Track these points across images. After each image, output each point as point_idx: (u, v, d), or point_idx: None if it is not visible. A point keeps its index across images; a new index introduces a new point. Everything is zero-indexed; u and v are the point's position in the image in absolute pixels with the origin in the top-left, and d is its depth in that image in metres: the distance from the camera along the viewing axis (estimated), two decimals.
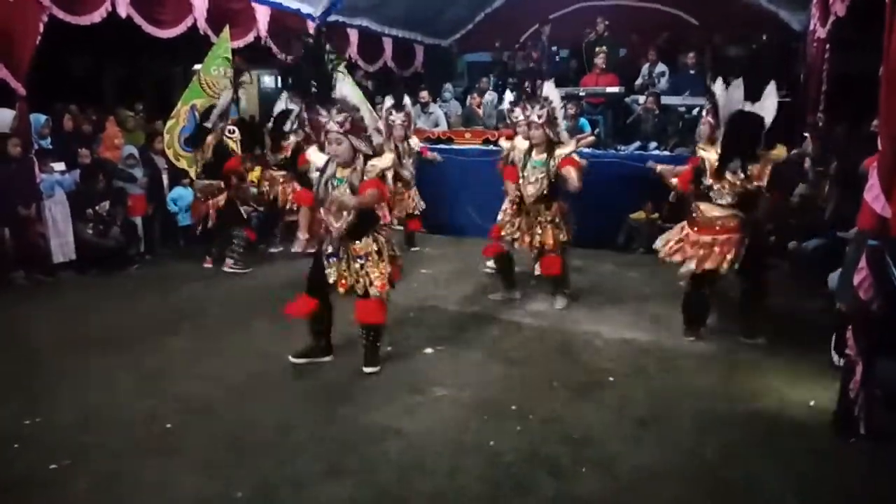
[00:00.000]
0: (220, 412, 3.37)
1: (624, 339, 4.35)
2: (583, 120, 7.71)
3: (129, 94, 8.56)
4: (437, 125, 8.50)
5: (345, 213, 3.61)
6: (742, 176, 3.92)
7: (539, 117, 4.59)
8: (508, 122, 5.78)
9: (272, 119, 6.76)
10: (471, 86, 9.64)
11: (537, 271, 5.38)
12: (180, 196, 6.94)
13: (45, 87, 6.05)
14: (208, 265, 6.23)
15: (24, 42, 5.27)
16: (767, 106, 3.95)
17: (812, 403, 3.38)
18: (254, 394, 3.57)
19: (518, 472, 2.83)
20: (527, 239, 4.82)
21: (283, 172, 6.55)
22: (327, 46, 6.39)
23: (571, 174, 4.51)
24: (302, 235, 3.97)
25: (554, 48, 9.32)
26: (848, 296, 3.11)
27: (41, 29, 5.35)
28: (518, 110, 5.28)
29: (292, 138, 6.47)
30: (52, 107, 6.70)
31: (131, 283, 5.80)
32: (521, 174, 4.75)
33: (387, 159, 3.67)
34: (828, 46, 6.19)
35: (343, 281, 3.72)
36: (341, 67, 6.20)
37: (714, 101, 4.17)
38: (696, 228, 4.08)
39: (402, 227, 6.72)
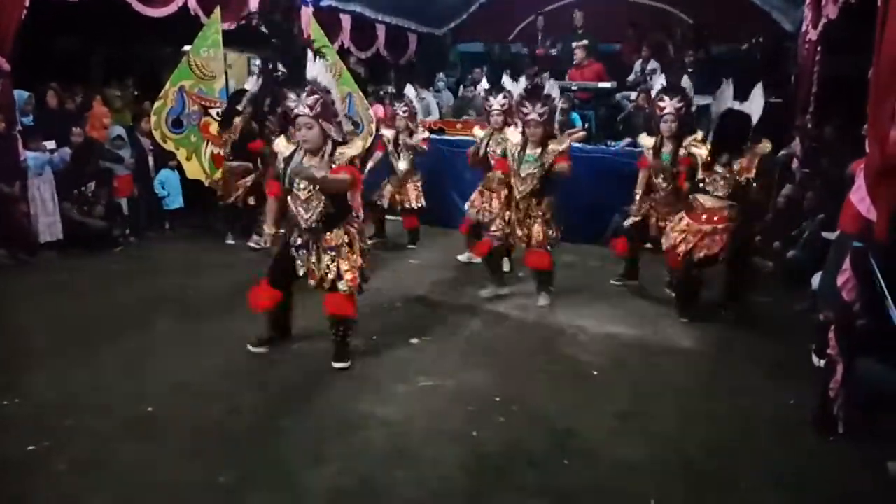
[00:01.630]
0: (202, 397, 3.34)
1: (608, 333, 4.37)
2: (574, 115, 7.72)
3: (116, 73, 8.41)
4: (429, 114, 8.46)
5: (315, 202, 3.48)
6: (734, 168, 4.28)
7: (541, 115, 4.52)
8: (485, 109, 5.67)
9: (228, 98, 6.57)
10: (464, 76, 9.61)
11: (503, 267, 5.36)
12: (167, 179, 6.87)
13: (30, 64, 5.94)
14: (231, 242, 6.35)
15: (9, 18, 5.16)
16: (755, 105, 4.35)
17: (792, 402, 3.42)
18: (237, 380, 3.55)
19: (500, 462, 2.85)
20: (519, 233, 4.78)
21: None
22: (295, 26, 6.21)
23: (565, 169, 4.59)
24: (269, 229, 3.75)
25: (549, 41, 9.31)
26: (830, 299, 3.15)
27: (27, 4, 5.25)
28: (493, 100, 5.37)
29: (237, 120, 6.15)
30: (35, 84, 6.58)
31: (115, 265, 5.73)
32: (513, 168, 4.70)
33: (356, 146, 3.54)
34: (819, 48, 6.23)
35: (314, 273, 3.61)
36: (326, 50, 6.05)
37: (686, 96, 4.70)
38: (698, 218, 4.41)
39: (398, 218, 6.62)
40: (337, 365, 3.68)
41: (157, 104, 6.46)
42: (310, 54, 3.41)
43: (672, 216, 4.72)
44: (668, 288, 5.10)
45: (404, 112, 6.25)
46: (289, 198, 3.57)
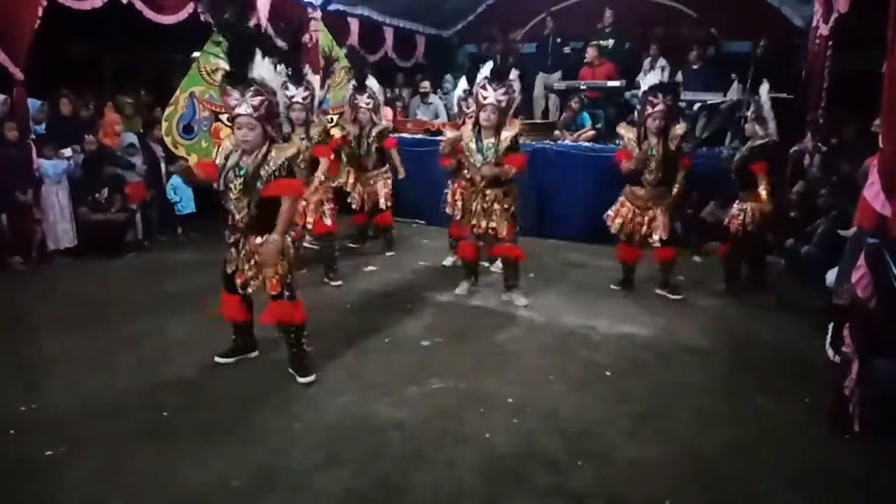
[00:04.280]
0: (216, 400, 3.37)
1: (621, 333, 4.36)
2: (584, 114, 7.70)
3: (127, 80, 8.50)
4: (436, 116, 8.47)
5: (245, 202, 3.32)
6: None
7: (499, 101, 4.45)
8: (462, 111, 5.57)
9: None
10: (470, 77, 9.59)
11: (496, 268, 5.36)
12: (180, 184, 6.92)
13: (42, 72, 6.01)
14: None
15: (23, 27, 5.23)
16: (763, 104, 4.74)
17: (808, 400, 3.39)
18: (250, 382, 3.57)
19: (514, 464, 2.84)
20: (482, 224, 4.68)
21: None
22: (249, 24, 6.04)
23: (514, 171, 4.54)
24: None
25: (559, 40, 9.28)
26: (844, 290, 3.12)
27: (40, 13, 5.31)
28: (470, 102, 5.19)
29: None
30: (48, 92, 6.66)
31: (129, 270, 5.79)
32: (468, 160, 4.63)
33: (293, 148, 3.40)
34: (830, 43, 6.17)
35: (242, 275, 3.46)
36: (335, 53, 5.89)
37: (678, 93, 4.88)
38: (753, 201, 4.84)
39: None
40: (301, 380, 3.52)
41: (167, 110, 6.50)
42: (258, 53, 3.26)
43: (649, 211, 4.82)
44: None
45: (367, 104, 5.97)
46: (222, 195, 3.43)
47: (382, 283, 5.43)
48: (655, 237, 4.88)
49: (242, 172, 3.30)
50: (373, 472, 2.76)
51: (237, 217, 3.40)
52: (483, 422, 3.18)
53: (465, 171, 4.79)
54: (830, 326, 3.79)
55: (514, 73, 4.63)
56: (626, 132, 4.95)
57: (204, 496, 2.62)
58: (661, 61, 8.14)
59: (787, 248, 5.61)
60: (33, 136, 5.71)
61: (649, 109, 4.72)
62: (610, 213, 5.11)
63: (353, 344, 3.97)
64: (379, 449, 2.94)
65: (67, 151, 6.02)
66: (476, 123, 4.61)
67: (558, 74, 8.84)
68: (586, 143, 7.24)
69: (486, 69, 4.63)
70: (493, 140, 4.55)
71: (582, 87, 7.92)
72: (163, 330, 4.29)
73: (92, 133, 6.34)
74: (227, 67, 3.25)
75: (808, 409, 3.31)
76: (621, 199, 5.06)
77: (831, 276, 4.27)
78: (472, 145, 4.61)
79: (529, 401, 3.39)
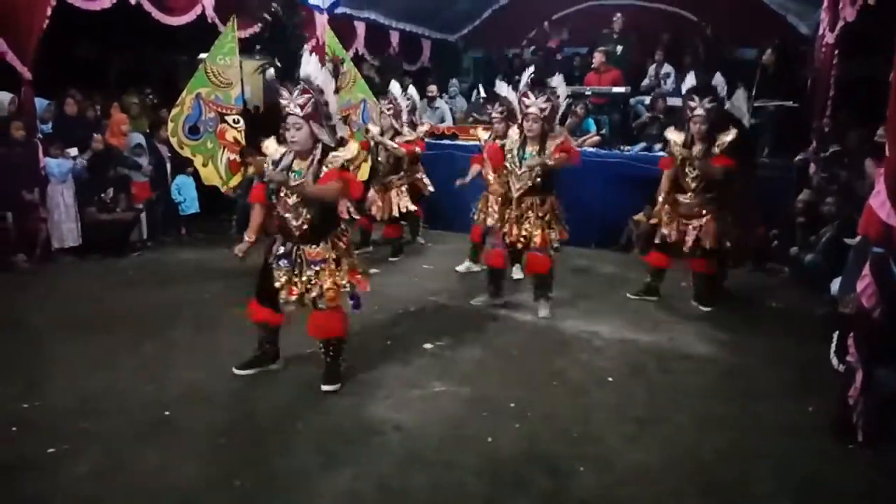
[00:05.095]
0: (218, 401, 3.37)
1: (623, 338, 4.35)
2: (589, 120, 7.71)
3: (134, 81, 8.54)
4: (442, 120, 8.50)
5: (303, 209, 3.24)
6: None
7: (542, 110, 4.35)
8: (485, 115, 5.58)
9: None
10: (476, 82, 9.63)
11: (517, 274, 5.32)
12: (184, 185, 6.95)
13: (50, 71, 6.04)
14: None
15: (31, 27, 5.26)
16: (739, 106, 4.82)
17: (811, 409, 3.38)
18: (252, 383, 3.57)
19: (515, 468, 2.84)
20: (514, 231, 4.56)
21: None
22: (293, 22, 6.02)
23: (566, 158, 4.38)
24: (248, 237, 3.49)
25: (561, 45, 9.31)
26: (849, 299, 3.11)
27: (49, 13, 5.34)
28: (491, 108, 5.22)
29: None
30: (55, 92, 6.69)
31: (132, 270, 5.80)
32: (510, 167, 4.53)
33: (351, 150, 3.29)
34: (836, 51, 6.17)
35: (293, 288, 3.32)
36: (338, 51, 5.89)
37: (718, 95, 4.58)
38: None
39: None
40: (325, 388, 3.45)
41: (174, 111, 6.53)
42: (305, 52, 3.23)
43: (693, 219, 4.67)
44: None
45: (388, 110, 5.95)
46: (277, 203, 3.34)
47: (386, 286, 5.43)
48: (707, 244, 4.67)
49: (297, 176, 3.21)
50: (373, 474, 2.76)
51: (294, 223, 3.28)
52: (484, 425, 3.18)
53: (496, 177, 4.70)
54: (835, 335, 3.78)
55: (557, 78, 4.55)
56: (674, 136, 4.79)
57: (205, 495, 2.62)
58: (667, 67, 8.18)
59: (791, 256, 5.59)
60: (40, 136, 5.74)
61: (689, 114, 4.62)
62: (652, 220, 4.98)
63: (356, 346, 3.97)
64: (380, 451, 2.94)
65: (73, 151, 6.05)
66: (521, 130, 4.51)
67: (560, 79, 8.84)
68: (591, 149, 7.24)
69: (527, 76, 4.59)
70: (536, 148, 4.42)
71: (587, 93, 7.93)
72: (165, 330, 4.29)
73: (98, 133, 6.37)
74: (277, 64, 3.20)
75: (811, 418, 3.30)
76: (657, 207, 4.89)
77: (836, 284, 4.25)
78: (516, 152, 4.48)
79: (531, 405, 3.38)
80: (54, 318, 4.48)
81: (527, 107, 4.40)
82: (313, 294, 3.32)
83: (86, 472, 2.73)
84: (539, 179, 4.46)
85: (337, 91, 6.00)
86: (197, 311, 4.69)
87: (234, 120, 6.55)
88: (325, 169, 3.20)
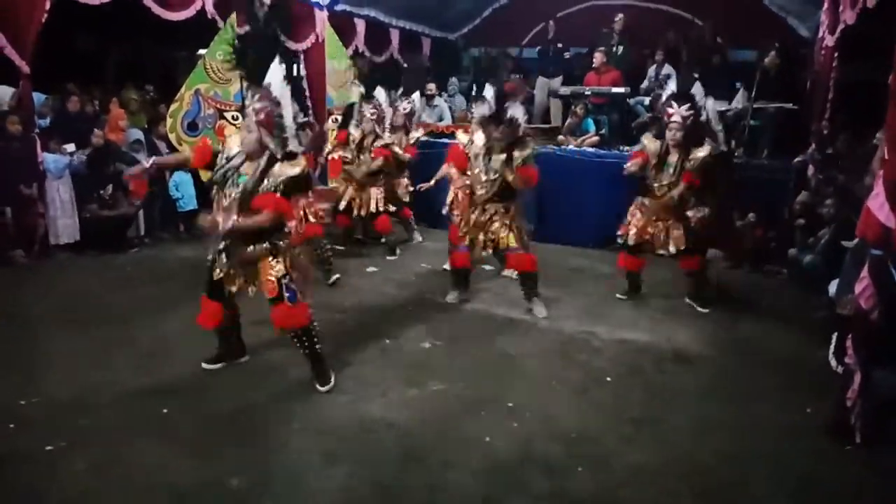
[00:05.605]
0: (215, 397, 3.37)
1: (621, 339, 4.35)
2: (588, 120, 7.71)
3: (133, 76, 8.51)
4: (441, 119, 8.49)
5: (234, 214, 3.20)
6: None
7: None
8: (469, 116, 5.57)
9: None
10: (476, 80, 9.62)
11: (513, 273, 5.28)
12: (181, 181, 6.92)
13: (48, 66, 6.02)
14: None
15: (30, 20, 5.24)
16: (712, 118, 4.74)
17: (809, 410, 3.39)
18: (250, 381, 3.57)
19: (512, 468, 2.84)
20: (481, 237, 4.62)
21: None
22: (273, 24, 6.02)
23: (527, 180, 4.42)
24: (147, 163, 3.60)
25: (560, 45, 9.29)
26: (847, 301, 3.11)
27: (47, 7, 5.32)
28: (475, 108, 5.06)
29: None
30: (54, 86, 6.67)
31: (130, 266, 5.78)
32: (473, 172, 4.52)
33: (297, 167, 3.21)
34: (836, 54, 6.18)
35: (230, 280, 3.38)
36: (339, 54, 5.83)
37: (696, 104, 4.57)
38: None
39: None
40: (320, 388, 3.45)
41: (172, 107, 6.53)
42: (276, 58, 3.25)
43: (660, 222, 4.73)
44: None
45: (372, 115, 5.98)
46: (218, 198, 3.32)
47: (383, 285, 5.43)
48: (672, 249, 4.74)
49: (242, 180, 3.21)
50: (369, 474, 2.76)
51: (223, 226, 3.26)
52: (482, 425, 3.18)
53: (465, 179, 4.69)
54: (834, 337, 3.79)
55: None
56: (649, 143, 4.75)
57: (202, 493, 2.61)
58: (667, 69, 8.17)
59: (789, 258, 5.60)
60: (38, 130, 5.72)
61: (666, 120, 4.60)
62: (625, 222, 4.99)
63: (352, 345, 3.97)
64: (376, 450, 2.94)
65: (70, 147, 6.02)
66: (488, 136, 4.46)
67: (559, 79, 8.87)
68: (590, 149, 7.25)
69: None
70: (501, 157, 4.41)
71: (587, 93, 7.92)
72: (162, 326, 4.28)
73: (97, 128, 6.35)
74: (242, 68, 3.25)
75: (809, 419, 3.30)
76: (631, 208, 4.91)
77: (834, 286, 4.26)
78: (481, 158, 4.46)
79: (529, 405, 3.38)
80: (52, 314, 4.47)
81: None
82: (253, 288, 3.41)
83: (83, 468, 2.73)
84: (500, 189, 4.49)
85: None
86: (194, 307, 4.66)
87: (232, 116, 6.55)
88: (266, 182, 3.18)
